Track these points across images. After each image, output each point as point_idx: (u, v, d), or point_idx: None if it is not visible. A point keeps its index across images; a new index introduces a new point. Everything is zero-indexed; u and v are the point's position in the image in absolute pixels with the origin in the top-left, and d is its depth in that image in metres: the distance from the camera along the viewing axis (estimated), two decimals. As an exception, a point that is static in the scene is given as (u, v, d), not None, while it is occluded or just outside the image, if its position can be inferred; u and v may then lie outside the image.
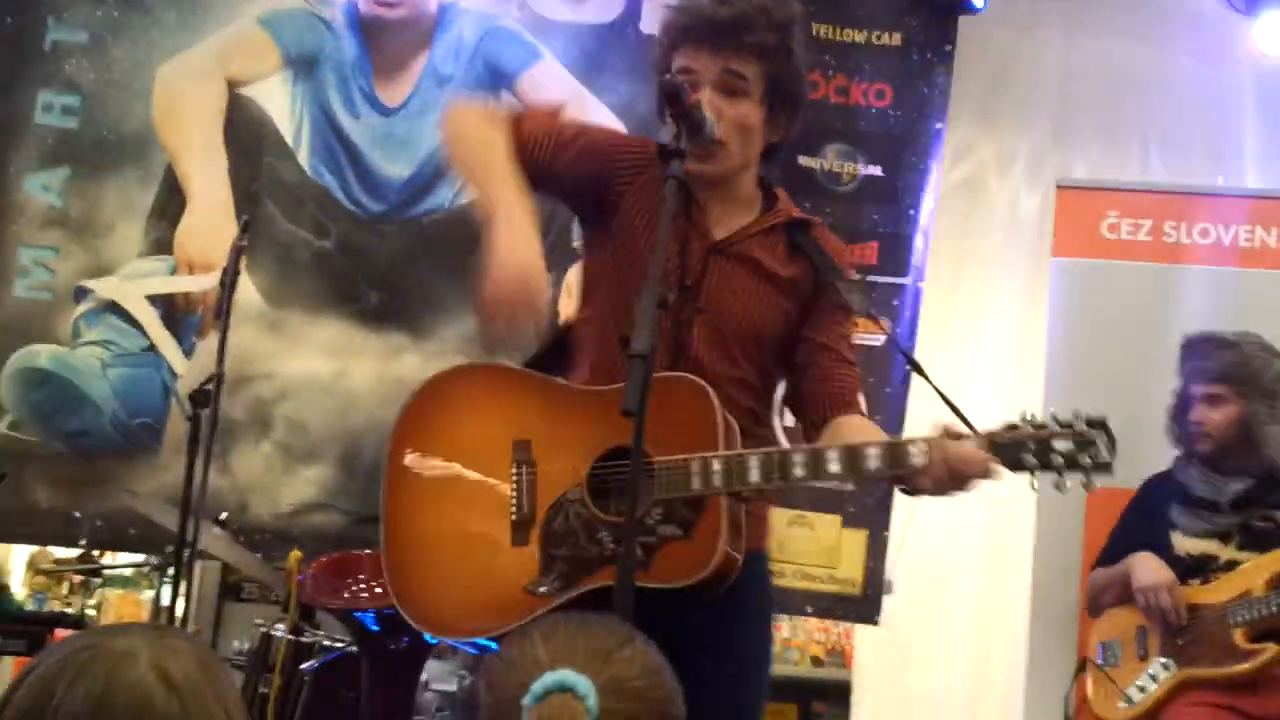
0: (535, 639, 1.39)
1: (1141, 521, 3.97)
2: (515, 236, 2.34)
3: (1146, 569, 3.80)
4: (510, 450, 2.47)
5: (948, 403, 2.32)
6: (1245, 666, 3.64)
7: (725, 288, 2.52)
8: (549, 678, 1.31)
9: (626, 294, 2.39)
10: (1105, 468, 2.19)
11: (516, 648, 1.39)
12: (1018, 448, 2.20)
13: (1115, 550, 3.98)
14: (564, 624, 1.42)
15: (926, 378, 2.43)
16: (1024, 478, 2.24)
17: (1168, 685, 3.73)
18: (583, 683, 1.31)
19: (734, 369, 2.50)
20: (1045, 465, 2.20)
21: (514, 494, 2.45)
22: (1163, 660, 3.76)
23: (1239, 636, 3.67)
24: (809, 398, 2.57)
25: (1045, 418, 2.24)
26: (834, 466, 2.27)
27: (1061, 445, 2.19)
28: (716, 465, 2.28)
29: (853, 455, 2.27)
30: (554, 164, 2.55)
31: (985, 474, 2.24)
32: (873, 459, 2.27)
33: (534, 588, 2.37)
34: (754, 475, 2.28)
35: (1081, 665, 3.95)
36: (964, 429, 2.25)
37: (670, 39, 2.54)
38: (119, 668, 1.35)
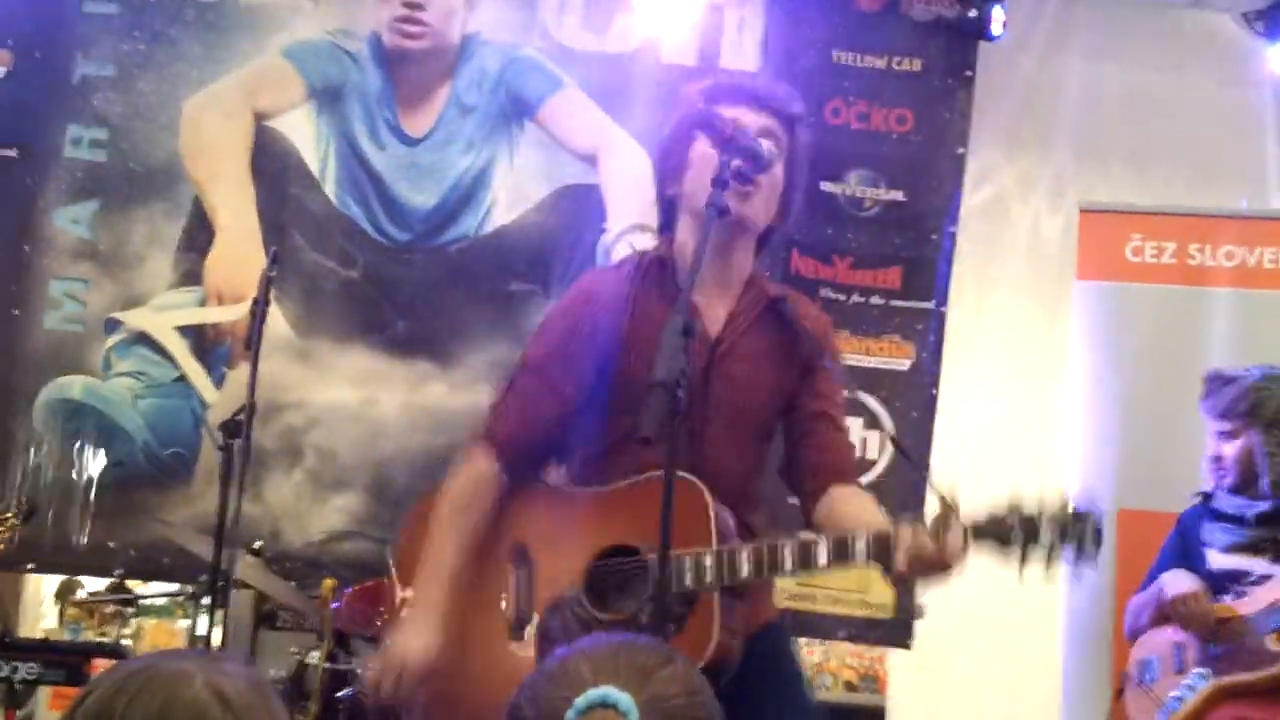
0: (578, 657, 1.41)
1: (1177, 549, 4.02)
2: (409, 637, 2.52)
3: (1176, 582, 3.85)
4: (510, 555, 2.56)
5: (932, 487, 2.39)
6: (1277, 670, 3.66)
7: (730, 383, 2.56)
8: (592, 693, 1.33)
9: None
10: (1090, 561, 2.22)
11: (560, 664, 1.41)
12: (1000, 535, 2.23)
13: (1153, 577, 4.01)
14: (607, 642, 1.44)
15: (908, 457, 2.49)
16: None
17: (1204, 695, 3.75)
18: (624, 699, 1.32)
19: (748, 460, 2.58)
20: (1025, 555, 2.23)
21: (513, 595, 2.53)
22: (1200, 671, 3.79)
23: (1273, 641, 3.71)
24: (807, 468, 2.62)
25: (1033, 504, 2.25)
26: (823, 559, 2.31)
27: (1045, 538, 2.21)
28: (708, 561, 2.33)
29: (841, 547, 2.31)
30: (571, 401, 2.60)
31: (948, 567, 2.28)
32: (860, 551, 2.30)
33: None
34: (745, 569, 2.33)
35: (1120, 689, 3.97)
36: (948, 518, 2.27)
37: (711, 96, 2.59)
38: (176, 687, 1.37)
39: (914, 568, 2.25)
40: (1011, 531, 2.21)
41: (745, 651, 2.45)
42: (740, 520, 2.49)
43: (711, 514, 2.36)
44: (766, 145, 2.49)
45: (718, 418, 2.53)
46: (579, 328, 2.61)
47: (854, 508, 2.51)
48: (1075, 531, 2.19)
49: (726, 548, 2.35)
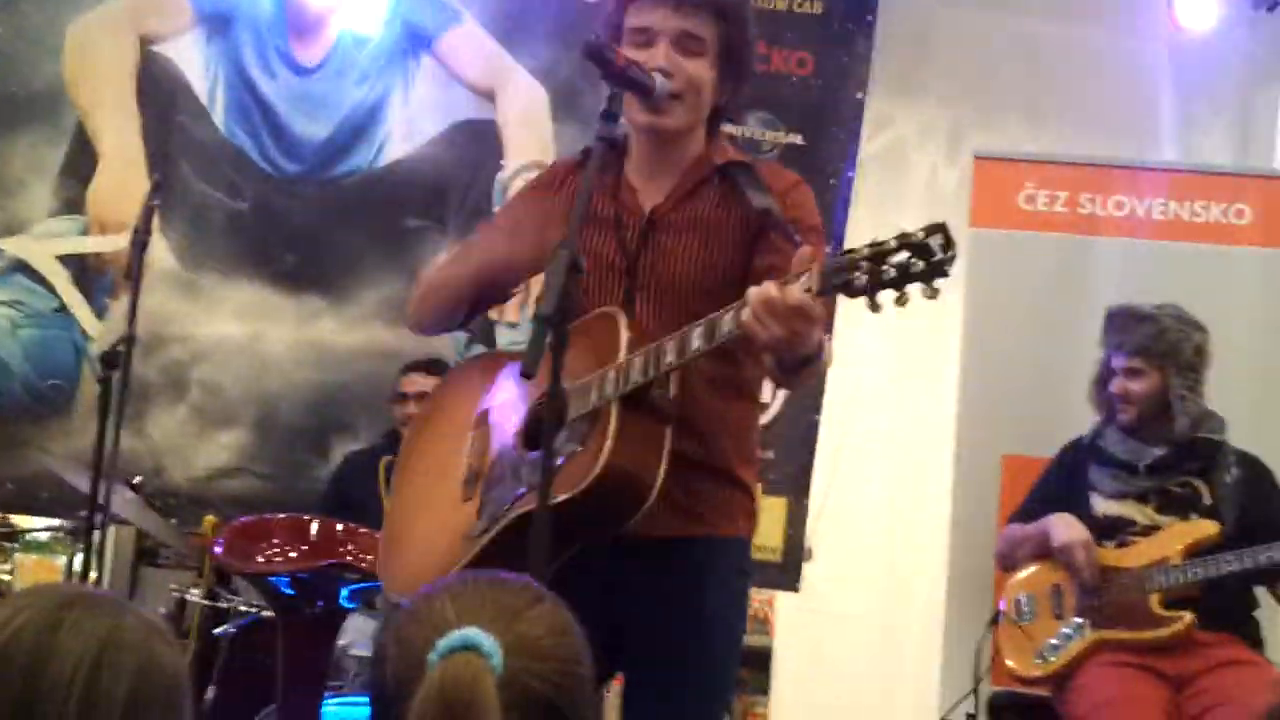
0: (444, 597, 1.38)
1: (1060, 480, 4.02)
2: None
3: (1063, 527, 3.86)
4: (473, 421, 2.57)
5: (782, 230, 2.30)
6: (1164, 633, 3.68)
7: (663, 256, 2.51)
8: (454, 636, 1.30)
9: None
10: (940, 268, 2.03)
11: (425, 604, 1.38)
12: (847, 271, 2.06)
13: (1032, 507, 4.02)
14: (474, 582, 1.42)
15: (790, 237, 2.34)
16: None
17: (1083, 644, 3.78)
18: (488, 642, 1.30)
19: None
20: (880, 283, 2.04)
21: (466, 457, 2.54)
22: (1078, 620, 3.82)
23: (1155, 603, 3.72)
24: None
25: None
26: (696, 342, 2.24)
27: (896, 259, 2.04)
28: (610, 374, 2.31)
29: (710, 327, 2.24)
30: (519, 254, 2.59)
31: (805, 314, 2.11)
32: (726, 323, 2.20)
33: (470, 532, 2.43)
34: (635, 374, 2.29)
35: (995, 618, 4.00)
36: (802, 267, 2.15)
37: None
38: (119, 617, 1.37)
39: (759, 317, 2.11)
40: (859, 262, 2.05)
41: (677, 549, 2.42)
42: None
43: (622, 333, 2.34)
44: (665, 66, 2.44)
45: (647, 293, 2.50)
46: (532, 203, 2.65)
47: None
48: (926, 244, 2.02)
49: (623, 359, 2.32)
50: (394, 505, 2.69)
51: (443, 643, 1.30)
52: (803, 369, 2.25)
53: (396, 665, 1.35)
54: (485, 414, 2.56)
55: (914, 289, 2.03)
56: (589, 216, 2.44)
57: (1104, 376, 4.01)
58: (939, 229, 2.04)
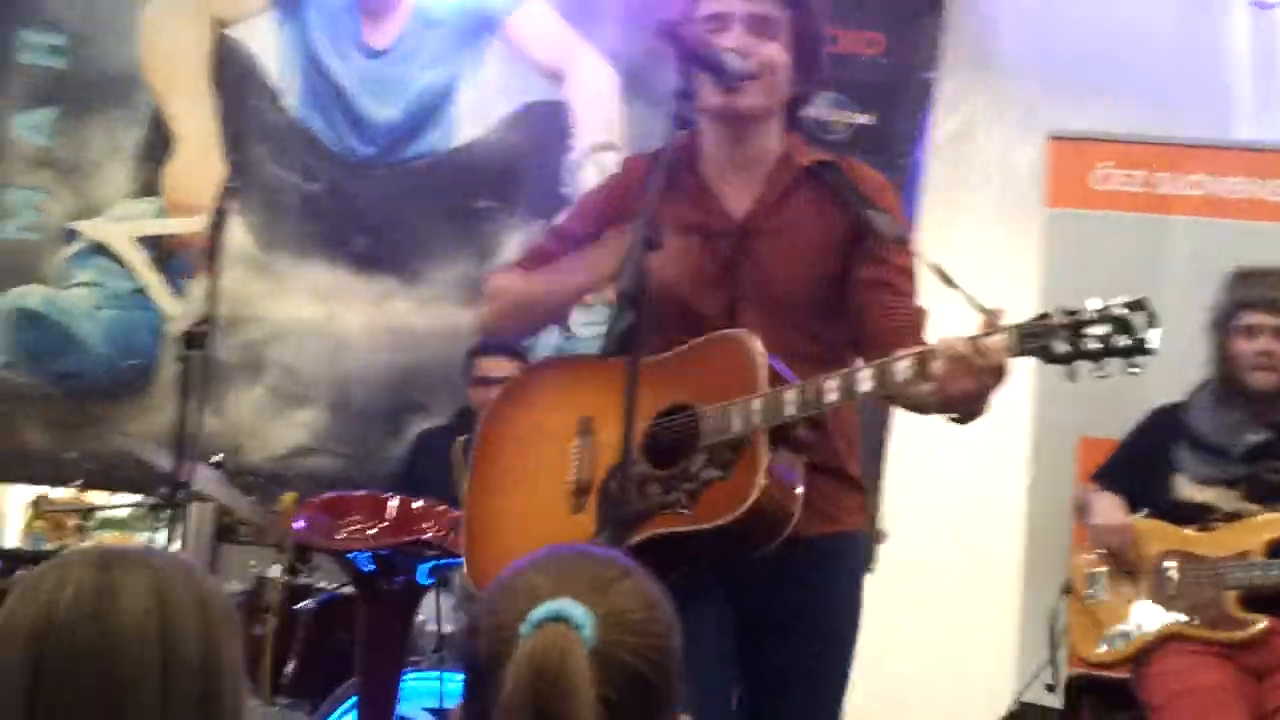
0: (536, 569, 1.39)
1: (1145, 449, 3.87)
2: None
3: (1106, 510, 3.78)
4: (575, 428, 2.50)
5: (973, 303, 2.19)
6: (1239, 635, 3.56)
7: (764, 265, 2.49)
8: (547, 607, 1.31)
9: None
10: (1143, 347, 2.04)
11: (517, 576, 1.39)
12: (1047, 336, 2.08)
13: (1114, 470, 3.92)
14: (565, 555, 1.42)
15: (952, 283, 2.30)
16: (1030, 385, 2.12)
17: (1154, 635, 3.71)
18: (579, 613, 1.31)
19: (795, 345, 2.45)
20: (1081, 352, 2.06)
21: (575, 465, 2.48)
22: (1151, 608, 3.73)
23: (1232, 601, 3.60)
24: (871, 337, 2.47)
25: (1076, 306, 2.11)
26: (866, 385, 2.22)
27: (1096, 330, 2.05)
28: (756, 404, 2.28)
29: (883, 371, 2.20)
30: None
31: (999, 371, 2.12)
32: (902, 370, 2.18)
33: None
34: (790, 408, 2.26)
35: (1067, 588, 3.95)
36: (993, 325, 2.13)
37: None
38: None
39: (954, 373, 2.11)
40: (1057, 329, 2.07)
41: (807, 548, 2.40)
42: None
43: (759, 361, 2.30)
44: (740, 47, 2.43)
45: (751, 304, 2.47)
46: (607, 207, 2.60)
47: None
48: (1129, 320, 2.04)
49: (772, 390, 2.28)
50: (479, 503, 2.61)
51: (535, 613, 1.31)
52: (970, 418, 2.26)
53: (489, 636, 1.36)
54: (588, 420, 2.49)
55: (1115, 363, 2.06)
56: (675, 226, 2.37)
57: (1229, 331, 3.78)
58: (1141, 305, 2.05)
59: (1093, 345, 2.05)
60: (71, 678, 1.34)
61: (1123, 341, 2.04)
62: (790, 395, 2.27)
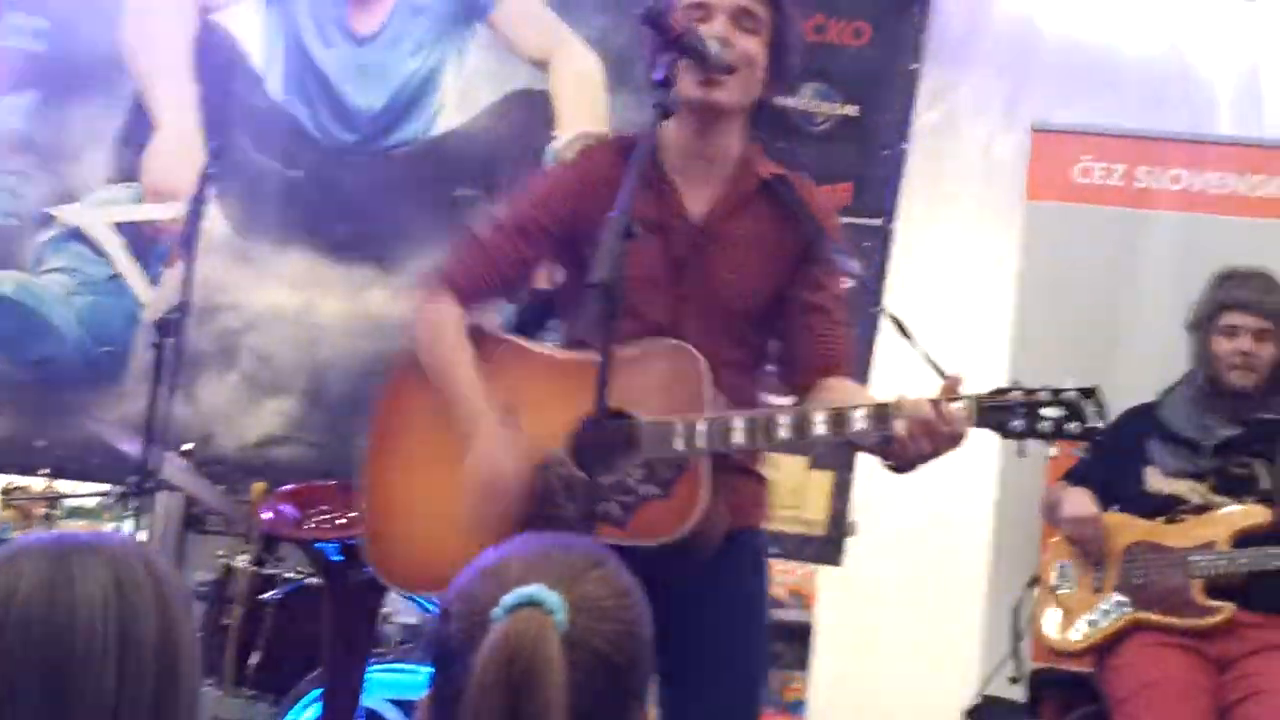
0: (510, 554, 1.39)
1: (1116, 444, 3.91)
2: (488, 446, 2.39)
3: (1075, 502, 3.82)
4: (495, 414, 2.46)
5: (933, 366, 2.30)
6: (1204, 622, 3.62)
7: (714, 270, 2.49)
8: (519, 592, 1.30)
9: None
10: (1091, 435, 2.20)
11: (492, 561, 1.38)
12: (1005, 413, 2.19)
13: (1084, 471, 3.96)
14: (539, 542, 1.42)
15: (910, 338, 2.39)
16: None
17: (1121, 622, 3.75)
18: (552, 598, 1.30)
19: (729, 352, 2.48)
20: (1034, 432, 2.19)
21: None
22: (1118, 598, 3.77)
23: (1197, 590, 3.65)
24: (799, 361, 2.53)
25: (1037, 384, 2.23)
26: (820, 429, 2.26)
27: (1050, 412, 2.18)
28: (701, 426, 2.28)
29: (839, 417, 2.25)
30: (533, 259, 2.56)
31: (956, 439, 2.22)
32: (858, 420, 2.24)
33: None
34: (738, 436, 2.28)
35: (1033, 580, 3.98)
36: (953, 392, 2.21)
37: None
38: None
39: (914, 435, 2.18)
40: (1015, 406, 2.18)
41: (723, 545, 2.42)
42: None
43: (705, 380, 2.32)
44: (723, 37, 2.42)
45: (694, 307, 2.47)
46: (556, 198, 2.57)
47: (846, 395, 2.42)
48: (1081, 407, 2.17)
49: (720, 414, 2.30)
50: (389, 490, 2.55)
51: (507, 598, 1.30)
52: (908, 471, 2.30)
53: (460, 621, 1.36)
54: (511, 410, 2.44)
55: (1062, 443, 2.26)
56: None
57: (1211, 330, 3.83)
58: (1092, 394, 2.19)
59: (1045, 427, 2.18)
60: (27, 665, 1.33)
61: (1073, 427, 2.18)
62: (739, 424, 2.28)
